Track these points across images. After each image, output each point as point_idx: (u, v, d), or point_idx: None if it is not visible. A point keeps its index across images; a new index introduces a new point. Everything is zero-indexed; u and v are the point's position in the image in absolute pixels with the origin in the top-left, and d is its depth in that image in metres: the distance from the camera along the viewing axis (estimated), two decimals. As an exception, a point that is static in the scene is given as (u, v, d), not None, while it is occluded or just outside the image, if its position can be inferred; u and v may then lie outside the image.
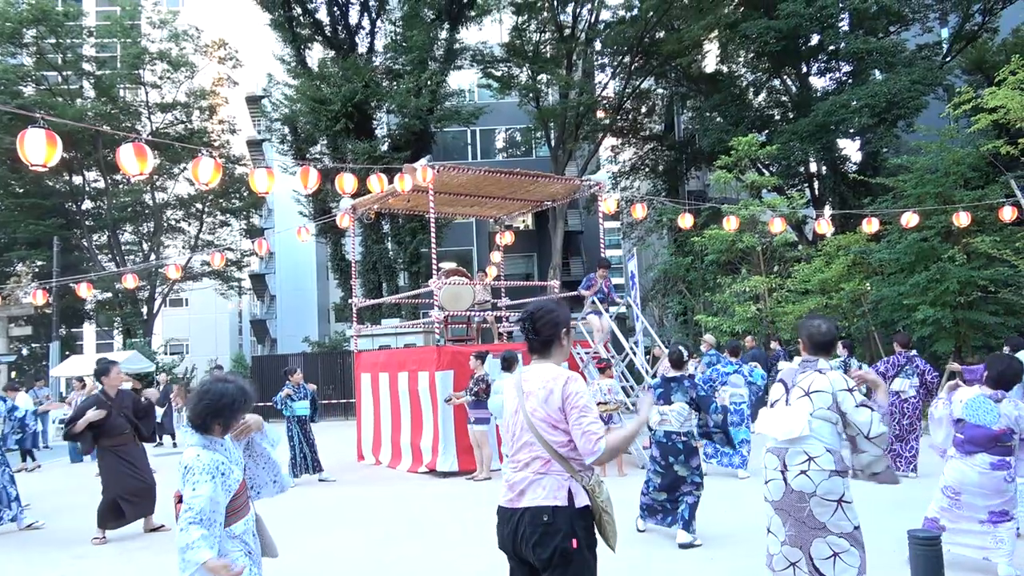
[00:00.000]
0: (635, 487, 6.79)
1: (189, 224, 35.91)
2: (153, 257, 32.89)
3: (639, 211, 14.78)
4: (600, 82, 29.03)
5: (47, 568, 6.51)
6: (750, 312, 16.76)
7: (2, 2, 29.44)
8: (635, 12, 25.26)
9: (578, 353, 11.42)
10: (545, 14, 26.46)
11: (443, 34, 25.38)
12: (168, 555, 6.62)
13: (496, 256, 15.62)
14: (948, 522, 4.98)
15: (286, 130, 26.64)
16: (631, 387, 11.33)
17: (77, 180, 32.81)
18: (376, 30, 26.65)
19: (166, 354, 33.94)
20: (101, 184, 32.92)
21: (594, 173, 30.77)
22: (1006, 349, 9.25)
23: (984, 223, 14.44)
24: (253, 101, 39.60)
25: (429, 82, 23.65)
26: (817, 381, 3.70)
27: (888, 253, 15.22)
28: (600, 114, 28.68)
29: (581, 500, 2.88)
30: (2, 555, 7.00)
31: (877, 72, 21.42)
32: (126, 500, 7.24)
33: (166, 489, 7.45)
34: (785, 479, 3.68)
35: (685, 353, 6.75)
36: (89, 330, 43.01)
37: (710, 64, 28.10)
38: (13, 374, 31.77)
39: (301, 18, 25.59)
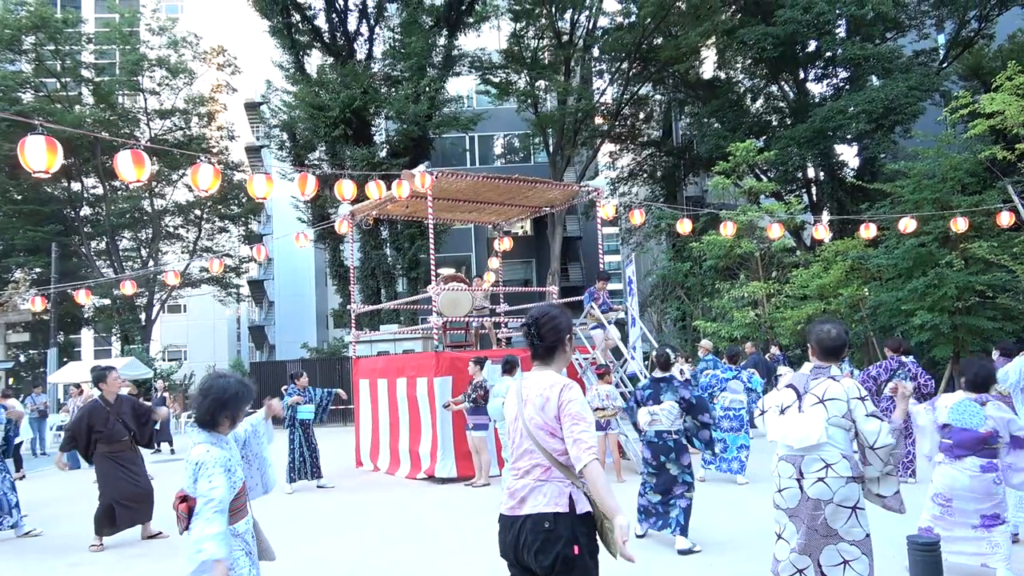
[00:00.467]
0: (633, 493, 6.79)
1: (187, 230, 35.91)
2: (151, 263, 32.87)
3: (637, 217, 14.81)
4: (598, 88, 29.10)
5: (44, 575, 6.49)
6: (748, 317, 16.78)
7: (1, 8, 29.49)
8: (633, 19, 25.34)
9: (577, 359, 11.42)
10: (543, 21, 26.53)
11: (441, 40, 25.45)
12: (166, 562, 6.61)
13: (495, 262, 15.62)
14: (942, 530, 4.95)
15: (285, 136, 26.68)
16: (630, 393, 11.32)
17: (75, 186, 32.81)
18: (375, 37, 26.72)
19: (164, 360, 33.92)
20: (99, 190, 32.91)
21: (592, 179, 30.90)
22: (995, 354, 9.20)
23: (981, 228, 14.46)
24: (252, 107, 39.67)
25: (428, 88, 23.69)
26: (832, 388, 3.69)
27: (886, 258, 15.24)
28: (598, 120, 28.74)
29: (583, 506, 2.88)
30: (0, 562, 6.99)
31: (874, 78, 21.49)
32: (122, 505, 7.21)
33: (164, 496, 7.44)
34: (801, 487, 3.66)
35: (672, 355, 6.83)
36: (87, 337, 42.93)
37: (708, 70, 28.18)
38: (11, 381, 31.70)
39: (300, 24, 25.64)
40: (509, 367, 8.82)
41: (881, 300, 15.25)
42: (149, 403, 8.21)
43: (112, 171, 23.64)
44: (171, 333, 43.64)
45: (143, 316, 33.07)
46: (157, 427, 13.66)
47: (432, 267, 11.52)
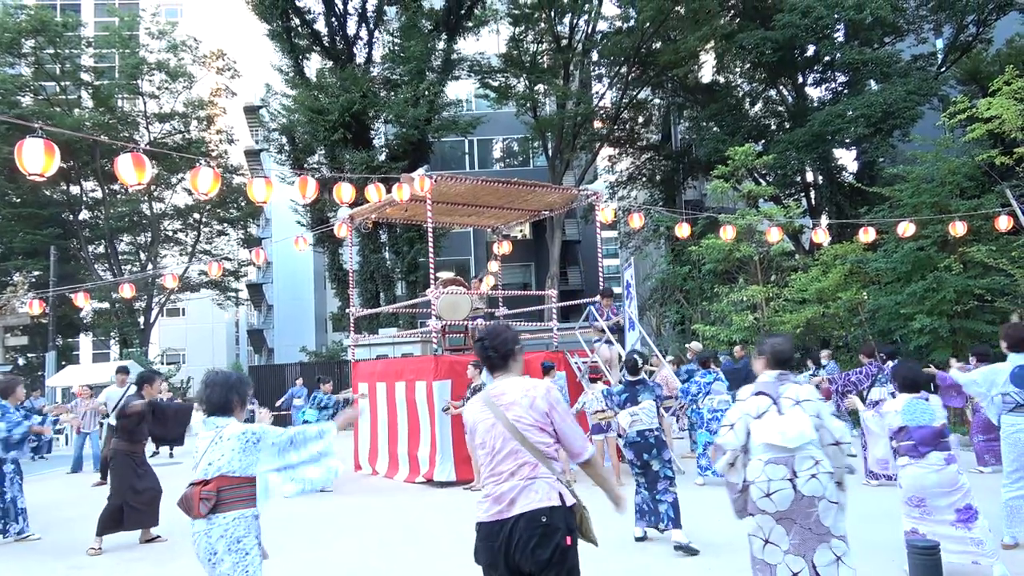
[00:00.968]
0: (631, 495, 6.77)
1: (186, 234, 35.92)
2: (150, 267, 32.86)
3: (636, 221, 14.81)
4: (597, 92, 29.14)
5: (42, 579, 6.49)
6: (747, 321, 16.77)
7: (1, 12, 29.52)
8: (632, 23, 25.39)
9: (575, 362, 11.42)
10: (542, 25, 26.58)
11: (441, 44, 25.49)
12: (166, 565, 6.61)
13: (494, 265, 15.62)
14: (926, 531, 5.02)
15: (284, 140, 26.71)
16: (605, 397, 11.30)
17: (74, 190, 32.83)
18: (374, 40, 26.76)
19: (163, 364, 33.90)
20: (98, 194, 32.92)
21: (591, 183, 30.89)
22: (972, 360, 9.16)
23: (980, 232, 14.47)
24: (251, 111, 39.70)
25: (427, 92, 23.72)
26: (802, 391, 3.86)
27: (885, 262, 15.24)
28: (597, 124, 28.77)
29: (569, 499, 3.06)
30: (0, 565, 6.98)
31: (872, 82, 21.52)
32: (132, 507, 7.26)
33: (164, 500, 7.43)
34: (795, 486, 3.69)
35: (640, 361, 7.20)
36: (86, 340, 42.88)
37: (706, 74, 28.23)
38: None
39: (299, 28, 25.67)
40: None
41: (880, 304, 15.25)
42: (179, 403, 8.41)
43: (111, 174, 23.65)
44: (170, 337, 43.60)
45: (142, 320, 33.06)
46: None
47: (431, 270, 11.52)
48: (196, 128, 33.96)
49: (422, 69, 24.20)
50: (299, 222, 26.25)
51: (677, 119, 29.35)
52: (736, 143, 19.97)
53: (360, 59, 26.33)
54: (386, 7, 25.96)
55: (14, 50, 29.78)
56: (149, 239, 34.39)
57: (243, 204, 34.06)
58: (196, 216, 34.95)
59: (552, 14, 25.88)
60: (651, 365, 11.52)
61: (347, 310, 14.30)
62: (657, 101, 29.94)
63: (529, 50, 27.12)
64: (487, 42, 27.96)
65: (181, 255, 35.68)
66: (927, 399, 5.14)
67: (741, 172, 19.46)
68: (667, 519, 6.28)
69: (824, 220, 21.62)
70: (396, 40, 25.94)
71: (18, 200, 31.59)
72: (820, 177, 23.77)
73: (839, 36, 22.23)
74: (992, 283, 13.78)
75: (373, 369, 12.50)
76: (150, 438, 7.82)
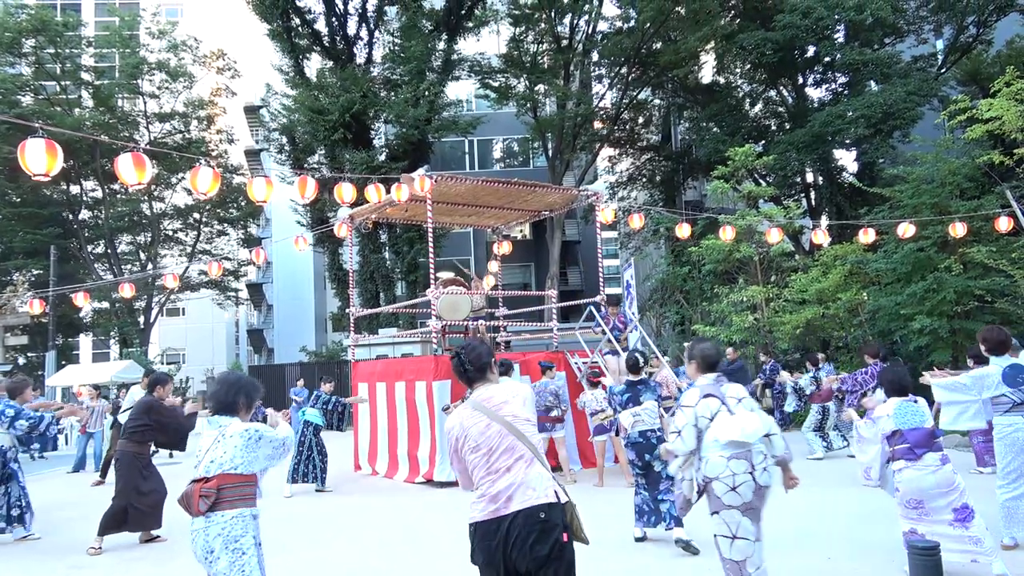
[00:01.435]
0: (614, 499, 6.76)
1: (186, 234, 35.92)
2: (150, 267, 32.87)
3: (636, 221, 14.81)
4: (597, 93, 29.15)
5: (43, 578, 6.49)
6: (747, 322, 16.78)
7: (1, 12, 29.52)
8: (632, 23, 25.39)
9: (575, 363, 11.42)
10: (543, 25, 26.58)
11: (441, 45, 25.48)
12: (166, 565, 6.61)
13: (494, 266, 15.62)
14: (924, 531, 5.03)
15: (284, 140, 26.71)
16: (607, 398, 11.30)
17: (74, 190, 32.84)
18: (374, 41, 26.76)
19: (163, 364, 33.90)
20: (99, 194, 32.93)
21: (591, 183, 30.87)
22: (969, 362, 9.15)
23: (980, 233, 14.47)
24: (251, 111, 39.71)
25: (427, 92, 23.72)
26: (740, 390, 4.17)
27: (885, 263, 15.25)
28: (597, 124, 28.77)
29: (563, 496, 3.10)
30: (0, 564, 6.98)
31: (873, 83, 21.52)
32: (136, 509, 7.26)
33: (166, 499, 7.45)
34: (754, 478, 3.92)
35: (641, 360, 7.17)
36: (86, 340, 42.90)
37: (707, 75, 28.23)
38: (9, 384, 31.60)
39: (299, 28, 25.67)
40: (503, 371, 8.80)
41: (880, 304, 15.26)
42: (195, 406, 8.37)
43: (111, 174, 23.67)
44: (170, 336, 43.60)
45: (142, 319, 33.07)
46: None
47: (431, 270, 11.52)
48: (196, 128, 33.97)
49: (422, 69, 24.20)
50: (299, 222, 26.26)
51: (677, 119, 29.35)
52: (736, 144, 19.98)
53: (360, 59, 26.34)
54: (386, 7, 25.96)
55: (14, 50, 29.79)
56: (149, 239, 34.40)
57: (243, 204, 34.07)
58: (196, 216, 34.96)
59: (552, 14, 25.88)
60: (651, 366, 11.50)
61: (347, 310, 14.30)
62: (657, 101, 29.94)
63: (529, 50, 27.12)
64: (487, 42, 27.97)
65: (181, 255, 35.68)
66: (916, 401, 5.15)
67: (741, 173, 19.47)
68: (669, 517, 6.27)
69: (824, 221, 21.62)
70: (396, 40, 25.93)
71: (18, 200, 31.60)
72: (820, 178, 23.78)
73: (839, 37, 22.23)
74: (992, 284, 13.78)
75: (373, 369, 12.50)
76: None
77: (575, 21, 26.38)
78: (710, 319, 18.95)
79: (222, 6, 41.68)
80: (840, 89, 22.86)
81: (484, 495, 3.10)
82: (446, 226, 17.37)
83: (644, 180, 30.49)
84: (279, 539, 7.03)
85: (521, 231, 31.02)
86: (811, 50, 22.51)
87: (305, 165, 25.15)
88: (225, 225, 36.29)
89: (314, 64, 27.57)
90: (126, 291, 17.20)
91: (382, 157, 24.34)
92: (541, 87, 27.27)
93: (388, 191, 11.15)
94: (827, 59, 22.25)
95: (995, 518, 5.64)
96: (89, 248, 33.18)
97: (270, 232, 40.90)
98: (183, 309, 45.28)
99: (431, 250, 11.65)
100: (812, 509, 7.79)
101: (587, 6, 25.52)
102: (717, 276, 19.18)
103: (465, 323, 12.18)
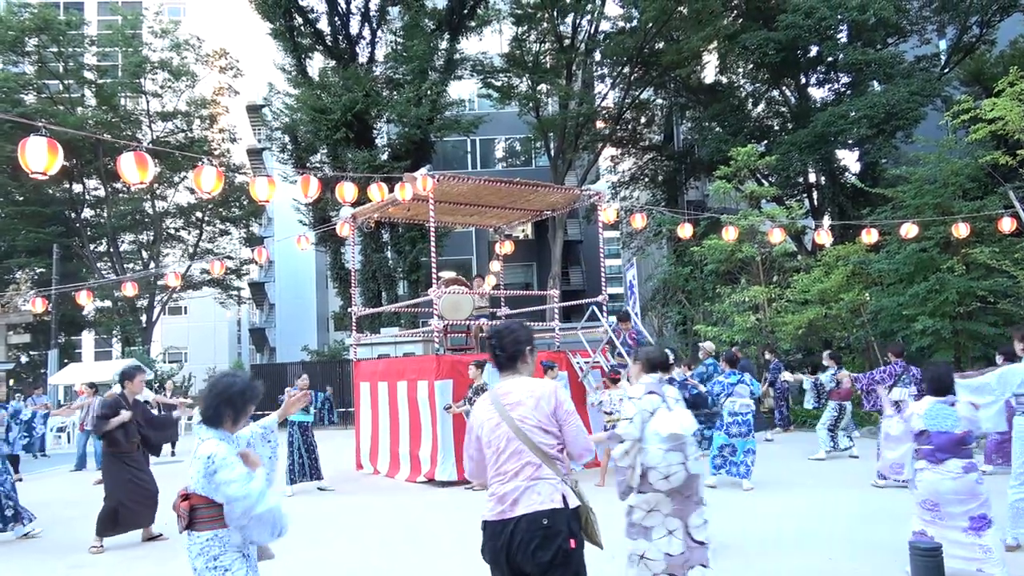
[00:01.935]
0: (614, 498, 6.63)
1: (189, 233, 35.95)
2: (153, 265, 32.90)
3: (638, 221, 14.80)
4: (600, 92, 29.13)
5: (44, 577, 6.49)
6: (749, 322, 16.77)
7: (4, 10, 29.57)
8: (635, 23, 25.38)
9: (577, 363, 11.42)
10: (545, 25, 26.56)
11: (443, 44, 25.48)
12: (167, 564, 6.61)
13: (496, 265, 15.62)
14: (935, 534, 4.98)
15: (286, 139, 26.73)
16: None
17: (77, 188, 32.87)
18: (377, 40, 26.76)
19: (165, 362, 33.95)
20: (101, 192, 32.97)
21: (593, 183, 30.87)
22: (999, 359, 9.22)
23: (983, 234, 14.45)
24: (254, 110, 39.73)
25: (429, 92, 23.72)
26: (674, 391, 4.67)
27: (887, 264, 15.23)
28: (600, 124, 28.75)
29: (573, 501, 3.04)
30: (0, 564, 6.98)
31: (875, 83, 21.50)
32: (127, 508, 7.23)
33: (166, 497, 7.43)
34: (687, 468, 4.29)
35: (671, 356, 6.84)
36: (88, 338, 42.97)
37: (709, 75, 28.21)
38: (12, 382, 31.70)
39: (302, 28, 25.68)
40: None
41: (882, 305, 15.24)
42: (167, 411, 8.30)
43: (114, 173, 23.70)
44: (172, 335, 43.69)
45: (144, 318, 33.10)
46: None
47: (433, 270, 11.52)
48: (199, 127, 33.97)
49: (425, 69, 24.20)
50: (301, 221, 26.27)
51: (679, 119, 29.33)
52: (739, 144, 19.96)
53: (363, 58, 26.34)
54: (389, 7, 25.97)
55: (18, 48, 29.82)
56: (151, 237, 34.42)
57: (245, 203, 34.09)
58: (198, 215, 34.98)
59: (555, 14, 25.86)
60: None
61: (349, 309, 14.31)
62: (660, 101, 29.93)
63: (532, 50, 27.10)
64: (490, 42, 27.95)
65: (183, 254, 35.72)
66: (952, 404, 5.01)
67: (743, 173, 19.45)
68: None
69: (826, 221, 21.62)
70: (399, 39, 25.93)
71: (21, 198, 31.65)
72: (823, 178, 23.76)
73: (842, 37, 22.21)
74: (995, 285, 13.76)
75: (375, 368, 12.51)
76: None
77: (577, 20, 26.36)
78: (712, 319, 18.95)
79: (225, 5, 41.73)
80: (843, 89, 22.84)
81: (494, 494, 3.09)
82: (448, 225, 17.38)
83: (646, 180, 30.48)
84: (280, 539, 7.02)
85: (523, 231, 31.01)
86: (814, 50, 22.49)
87: (307, 164, 25.16)
88: (227, 224, 36.30)
89: (316, 63, 27.59)
90: (128, 290, 17.21)
91: (384, 156, 24.35)
92: (543, 87, 27.25)
93: (390, 190, 11.16)
94: (830, 59, 22.23)
95: (1002, 517, 5.63)
96: (92, 247, 33.21)
97: (272, 231, 40.93)
98: (185, 308, 45.36)
99: (433, 250, 11.64)
100: (814, 509, 7.79)
101: (589, 5, 25.51)
102: (719, 276, 19.17)
103: (467, 323, 12.18)
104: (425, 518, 8.21)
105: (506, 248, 15.02)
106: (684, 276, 22.04)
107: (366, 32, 26.53)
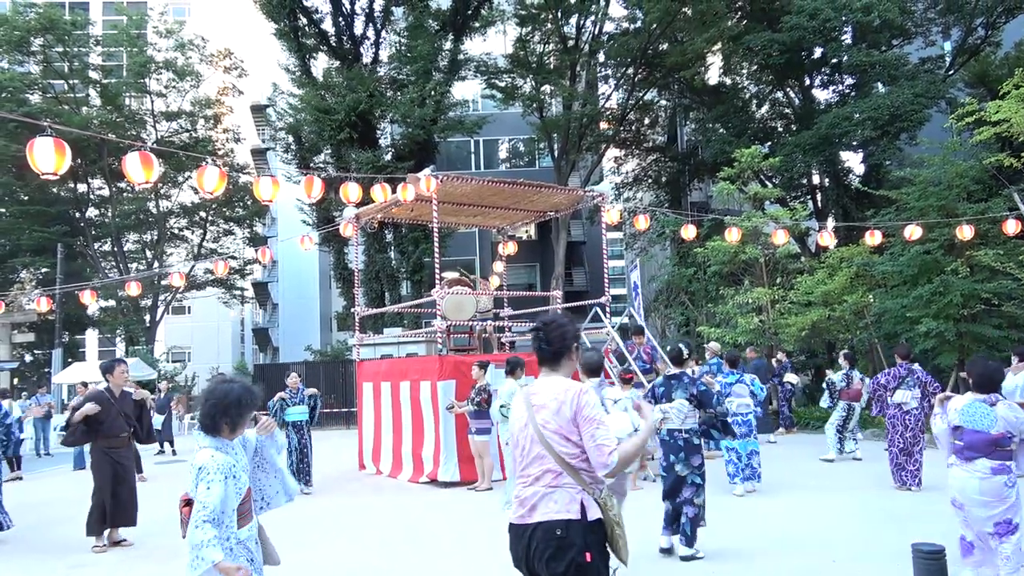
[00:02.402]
0: (654, 499, 6.60)
1: (192, 232, 36.03)
2: (156, 265, 32.97)
3: (642, 222, 14.80)
4: (603, 93, 29.11)
5: (46, 576, 6.50)
6: (753, 324, 16.73)
7: (10, 10, 29.67)
8: (639, 24, 25.35)
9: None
10: (549, 26, 26.56)
11: (447, 45, 25.49)
12: (169, 563, 6.61)
13: (499, 266, 15.63)
14: (972, 539, 4.87)
15: (290, 139, 26.76)
16: (648, 389, 11.29)
17: (82, 188, 32.97)
18: (381, 40, 26.78)
19: (168, 362, 34.01)
20: (106, 192, 33.08)
21: (597, 184, 30.87)
22: (1015, 360, 9.22)
23: (987, 236, 14.40)
24: (258, 110, 39.81)
25: (433, 92, 23.73)
26: (616, 392, 5.05)
27: (891, 265, 15.20)
28: (603, 125, 28.73)
29: (593, 513, 2.89)
30: (0, 563, 6.99)
31: (880, 85, 21.44)
32: (115, 503, 7.21)
33: (167, 497, 7.43)
34: None
35: (685, 351, 6.72)
36: (92, 337, 43.10)
37: (713, 76, 28.16)
38: (16, 380, 31.80)
39: (306, 28, 25.71)
40: (511, 368, 8.77)
41: (886, 307, 15.20)
42: (144, 393, 8.21)
43: (118, 173, 23.73)
44: (175, 335, 43.75)
45: (148, 317, 33.16)
46: (158, 428, 13.56)
47: (437, 270, 11.52)
48: (203, 127, 34.06)
49: (428, 69, 24.21)
50: (305, 221, 26.30)
51: (683, 121, 29.29)
52: (742, 145, 19.92)
53: (367, 59, 26.36)
54: (393, 7, 25.98)
55: (23, 48, 29.94)
56: (156, 237, 34.51)
57: (249, 203, 34.16)
58: (202, 214, 35.06)
59: (559, 15, 25.86)
60: (657, 368, 11.48)
61: (352, 309, 14.32)
62: (663, 102, 29.88)
63: (535, 51, 27.10)
64: (494, 42, 27.95)
65: (187, 254, 35.79)
66: (993, 402, 4.83)
67: (747, 174, 19.42)
68: (683, 535, 6.11)
69: (830, 223, 21.56)
70: (403, 40, 25.94)
71: (26, 197, 31.75)
72: (827, 179, 23.69)
73: (846, 38, 22.14)
74: (999, 287, 13.72)
75: (378, 369, 12.51)
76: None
77: (581, 21, 26.35)
78: (715, 321, 18.92)
79: (229, 5, 41.80)
80: (847, 91, 22.78)
81: (518, 496, 3.01)
82: (451, 226, 17.38)
83: (650, 181, 30.44)
84: (280, 539, 7.02)
85: (526, 231, 30.98)
86: (818, 51, 22.43)
87: (311, 164, 25.19)
88: (231, 224, 36.39)
89: (320, 64, 27.62)
90: (132, 289, 17.29)
91: (388, 157, 24.36)
92: (547, 87, 27.24)
93: (394, 191, 11.17)
94: (834, 61, 22.17)
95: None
96: (96, 246, 33.30)
97: (276, 231, 40.98)
98: (189, 307, 45.43)
99: (436, 250, 11.65)
100: (818, 511, 7.77)
101: (594, 7, 25.49)
102: (723, 278, 19.14)
103: (470, 323, 12.19)
104: (426, 518, 8.21)
105: (509, 249, 15.02)
106: (687, 277, 22.01)
107: (370, 32, 26.56)
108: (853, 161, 24.58)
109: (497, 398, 8.81)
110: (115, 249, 33.14)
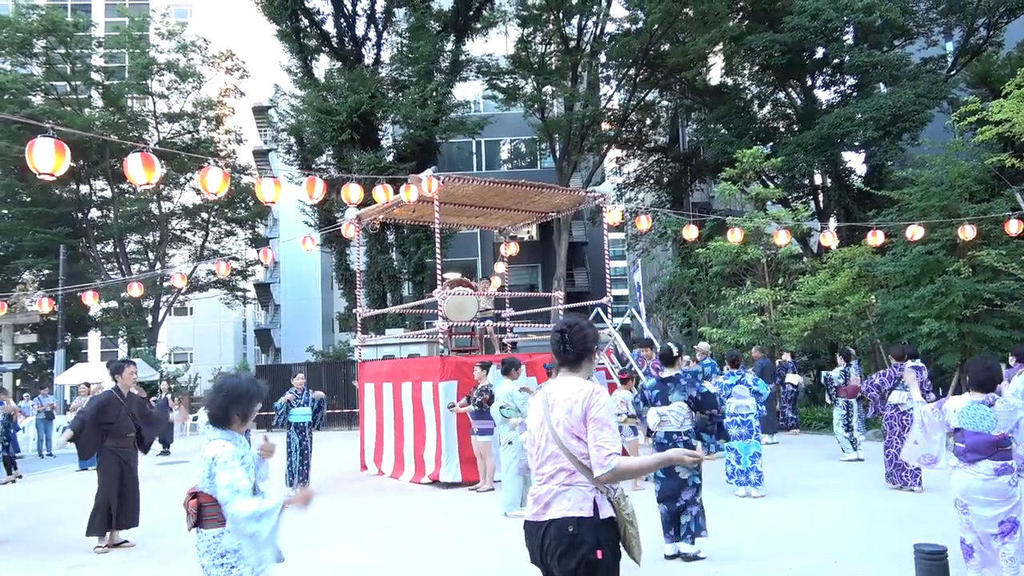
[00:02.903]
0: (650, 502, 6.57)
1: (195, 233, 36.05)
2: (159, 266, 33.01)
3: (644, 223, 14.80)
4: (605, 94, 29.11)
5: (47, 576, 6.50)
6: (755, 324, 16.72)
7: (12, 12, 29.73)
8: (640, 25, 25.34)
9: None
10: (551, 26, 26.57)
11: (449, 46, 25.52)
12: (171, 563, 6.62)
13: (500, 267, 15.63)
14: (973, 543, 4.85)
15: (292, 140, 26.78)
16: (639, 391, 11.28)
17: (84, 189, 32.99)
18: (382, 41, 26.80)
19: (170, 363, 34.04)
20: (108, 193, 33.09)
21: (599, 184, 30.87)
22: (1012, 360, 9.22)
23: (989, 236, 14.39)
24: (260, 111, 39.86)
25: (435, 93, 23.75)
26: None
27: (893, 266, 15.18)
28: (605, 126, 28.73)
29: (606, 511, 2.92)
30: (0, 563, 6.99)
31: (882, 85, 21.41)
32: (120, 504, 7.22)
33: (168, 496, 7.45)
34: None
35: (675, 350, 6.66)
36: (94, 338, 43.15)
37: (715, 76, 28.15)
38: (18, 382, 31.85)
39: (308, 29, 25.74)
40: (507, 368, 8.75)
41: (888, 307, 15.19)
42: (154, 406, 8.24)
43: (121, 174, 23.76)
44: (177, 336, 43.73)
45: (150, 318, 33.19)
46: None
47: (438, 271, 11.53)
48: (205, 128, 34.07)
49: (430, 70, 24.23)
50: (307, 222, 26.31)
51: (685, 121, 29.30)
52: (744, 145, 19.92)
53: (368, 60, 26.38)
54: (395, 8, 26.01)
55: (26, 50, 29.97)
56: (158, 238, 34.53)
57: (251, 204, 34.14)
58: (204, 216, 35.06)
59: (560, 16, 25.87)
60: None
61: (354, 310, 14.33)
62: (665, 103, 29.87)
63: (537, 51, 27.11)
64: (495, 43, 27.97)
65: (189, 255, 35.82)
66: (991, 404, 4.79)
67: (749, 174, 19.41)
68: (686, 532, 6.08)
69: (832, 223, 21.55)
70: (404, 41, 25.97)
71: (28, 199, 31.79)
72: (828, 180, 23.68)
73: (848, 39, 22.13)
74: (1001, 287, 13.71)
75: (379, 369, 12.52)
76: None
77: (583, 22, 26.36)
78: (717, 321, 18.91)
79: (231, 7, 41.82)
80: (849, 91, 22.76)
81: (532, 494, 3.06)
82: (453, 227, 17.39)
83: (651, 182, 30.43)
84: (280, 539, 7.03)
85: (528, 232, 30.99)
86: (820, 52, 22.42)
87: (313, 165, 25.22)
88: (233, 225, 36.39)
89: (322, 65, 27.65)
90: (135, 290, 17.28)
91: (390, 158, 24.38)
92: (549, 88, 27.25)
93: (395, 192, 11.17)
94: (836, 61, 22.16)
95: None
96: (98, 247, 33.34)
97: (278, 232, 41.02)
98: (191, 308, 45.43)
99: (438, 251, 11.65)
100: (819, 512, 7.77)
101: (595, 7, 25.51)
102: (724, 278, 19.14)
103: (472, 324, 12.19)
104: (427, 519, 8.21)
105: (511, 249, 15.02)
106: (689, 278, 22.00)
107: (372, 34, 26.59)
108: (855, 161, 24.58)
109: (496, 399, 8.81)
110: (117, 250, 33.17)
